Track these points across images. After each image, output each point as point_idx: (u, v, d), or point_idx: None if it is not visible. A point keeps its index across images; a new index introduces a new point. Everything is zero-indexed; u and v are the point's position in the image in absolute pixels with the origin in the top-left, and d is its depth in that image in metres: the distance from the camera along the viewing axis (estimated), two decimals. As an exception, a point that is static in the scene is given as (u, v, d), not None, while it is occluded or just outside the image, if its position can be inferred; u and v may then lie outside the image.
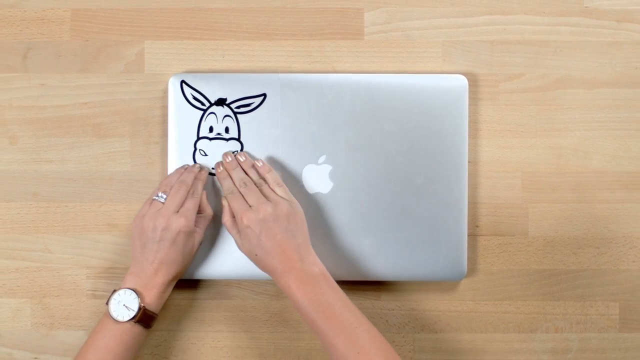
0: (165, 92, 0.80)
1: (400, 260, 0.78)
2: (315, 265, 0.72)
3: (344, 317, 0.69)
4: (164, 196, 0.74)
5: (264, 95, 0.78)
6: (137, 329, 0.71)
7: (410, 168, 0.78)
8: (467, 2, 0.81)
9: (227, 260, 0.78)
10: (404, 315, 0.81)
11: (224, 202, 0.75)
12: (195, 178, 0.77)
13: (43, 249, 0.81)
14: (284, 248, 0.71)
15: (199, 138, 0.79)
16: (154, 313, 0.72)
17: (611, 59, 0.81)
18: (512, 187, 0.81)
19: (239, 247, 0.74)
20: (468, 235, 0.79)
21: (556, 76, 0.81)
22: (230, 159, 0.77)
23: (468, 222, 0.79)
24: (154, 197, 0.75)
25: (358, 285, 0.81)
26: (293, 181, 0.78)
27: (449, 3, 0.81)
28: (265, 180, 0.76)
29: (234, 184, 0.75)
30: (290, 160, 0.78)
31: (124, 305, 0.70)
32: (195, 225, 0.74)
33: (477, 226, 0.81)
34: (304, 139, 0.78)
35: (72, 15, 0.81)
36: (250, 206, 0.72)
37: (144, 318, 0.71)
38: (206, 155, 0.78)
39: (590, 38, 0.81)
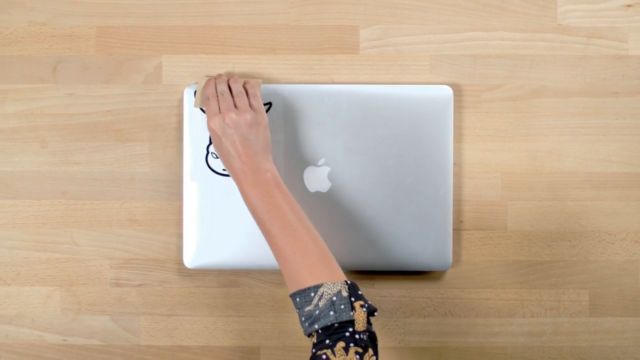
0: (181, 101, 0.83)
1: (392, 252, 0.80)
2: (269, 171, 0.72)
3: (288, 218, 0.70)
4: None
5: (270, 103, 0.80)
6: None
7: (401, 169, 0.80)
8: (452, 20, 0.83)
9: (237, 252, 0.80)
10: (396, 302, 0.84)
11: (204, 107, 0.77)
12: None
13: (71, 242, 0.84)
14: (240, 153, 0.72)
15: (211, 142, 0.80)
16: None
17: (582, 71, 0.83)
18: (492, 186, 0.83)
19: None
20: (453, 230, 0.81)
21: (532, 87, 0.83)
22: (223, 76, 0.79)
23: (453, 218, 0.81)
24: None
25: (354, 275, 0.83)
26: (295, 181, 0.80)
27: (435, 21, 0.83)
28: (247, 93, 0.77)
29: (216, 92, 0.77)
30: (293, 162, 0.80)
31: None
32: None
33: (461, 221, 0.83)
34: (305, 143, 0.80)
35: (97, 32, 0.83)
36: (219, 112, 0.74)
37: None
38: (217, 157, 0.80)
39: (563, 52, 0.83)
